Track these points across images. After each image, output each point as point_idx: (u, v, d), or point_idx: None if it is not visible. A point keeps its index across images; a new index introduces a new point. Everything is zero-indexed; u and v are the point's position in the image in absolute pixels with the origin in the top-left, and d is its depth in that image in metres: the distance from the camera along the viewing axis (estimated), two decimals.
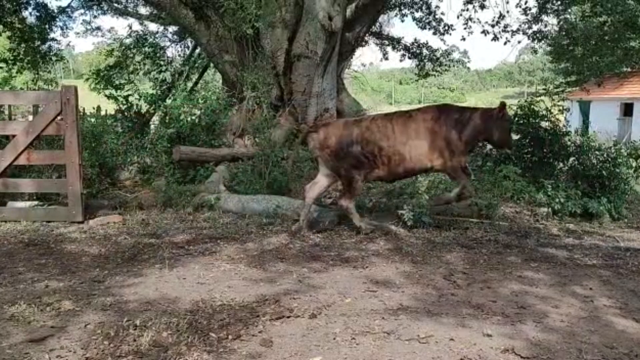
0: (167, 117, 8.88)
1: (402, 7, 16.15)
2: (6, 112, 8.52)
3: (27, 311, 3.46)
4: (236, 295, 3.86)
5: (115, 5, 15.77)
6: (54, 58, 14.97)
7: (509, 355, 3.01)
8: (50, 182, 6.66)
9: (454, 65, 17.80)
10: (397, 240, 5.53)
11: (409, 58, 17.14)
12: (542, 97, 9.86)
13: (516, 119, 8.86)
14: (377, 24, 16.11)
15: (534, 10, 13.75)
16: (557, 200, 6.98)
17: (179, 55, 16.63)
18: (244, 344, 3.09)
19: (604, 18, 12.97)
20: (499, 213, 6.56)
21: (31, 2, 13.55)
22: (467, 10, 14.35)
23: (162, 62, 15.05)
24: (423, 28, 15.88)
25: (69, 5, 14.99)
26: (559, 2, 12.91)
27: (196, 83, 14.74)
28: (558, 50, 16.68)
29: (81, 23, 16.54)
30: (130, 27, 15.89)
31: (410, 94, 60.39)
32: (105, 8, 15.86)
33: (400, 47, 16.93)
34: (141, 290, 3.93)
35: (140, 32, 15.95)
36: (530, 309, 3.74)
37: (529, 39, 14.41)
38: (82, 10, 15.67)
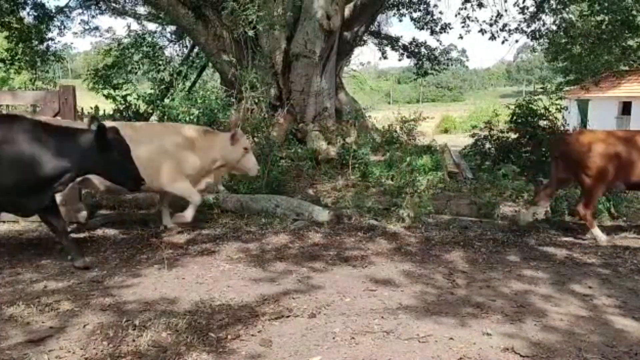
0: (166, 117, 8.87)
1: (401, 7, 16.17)
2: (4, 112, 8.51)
3: (26, 312, 3.45)
4: (235, 295, 3.85)
5: (113, 5, 15.75)
6: (52, 58, 14.95)
7: (508, 354, 3.01)
8: None
9: (452, 64, 17.86)
10: (396, 239, 5.53)
11: (407, 57, 17.18)
12: (540, 96, 9.87)
13: (515, 117, 8.89)
14: (376, 24, 16.14)
15: (531, 9, 13.77)
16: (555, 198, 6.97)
17: (178, 55, 16.63)
18: (244, 343, 3.09)
19: (601, 17, 12.98)
20: (498, 212, 6.56)
21: (29, 1, 13.53)
22: (465, 8, 14.38)
23: (160, 62, 15.04)
24: (421, 28, 15.91)
25: (66, 5, 15.00)
26: (556, 1, 12.91)
27: (194, 82, 14.73)
28: (556, 49, 16.70)
29: (79, 23, 16.54)
30: (129, 27, 15.88)
31: (408, 93, 60.42)
32: (103, 8, 15.85)
33: (399, 46, 16.97)
34: (140, 291, 3.92)
35: (139, 32, 15.94)
36: (529, 307, 3.74)
37: (527, 37, 14.42)
38: (80, 10, 15.69)
